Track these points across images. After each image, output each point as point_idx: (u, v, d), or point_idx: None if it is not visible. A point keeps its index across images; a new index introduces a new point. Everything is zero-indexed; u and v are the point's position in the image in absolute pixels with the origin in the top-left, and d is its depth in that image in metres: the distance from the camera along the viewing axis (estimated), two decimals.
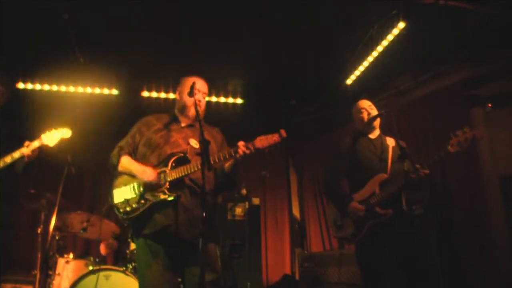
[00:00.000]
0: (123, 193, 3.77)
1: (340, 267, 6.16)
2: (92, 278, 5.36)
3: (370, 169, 4.60)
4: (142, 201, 3.66)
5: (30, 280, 5.87)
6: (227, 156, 3.61)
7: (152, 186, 3.67)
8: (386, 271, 4.32)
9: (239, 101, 8.15)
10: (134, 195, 3.72)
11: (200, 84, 4.07)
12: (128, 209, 3.70)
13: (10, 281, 6.10)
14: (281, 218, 8.86)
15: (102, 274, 5.38)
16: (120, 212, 3.76)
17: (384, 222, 4.37)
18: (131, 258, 5.74)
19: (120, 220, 3.86)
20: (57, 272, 5.66)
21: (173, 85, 4.13)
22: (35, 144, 4.42)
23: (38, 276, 5.35)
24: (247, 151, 3.55)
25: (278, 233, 8.73)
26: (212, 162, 3.56)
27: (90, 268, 5.45)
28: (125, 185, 3.80)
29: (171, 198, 3.61)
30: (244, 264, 6.86)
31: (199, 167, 3.43)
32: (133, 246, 5.74)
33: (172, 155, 3.74)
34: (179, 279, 3.71)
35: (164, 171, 3.67)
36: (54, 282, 5.59)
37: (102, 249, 6.29)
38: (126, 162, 3.87)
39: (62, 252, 5.88)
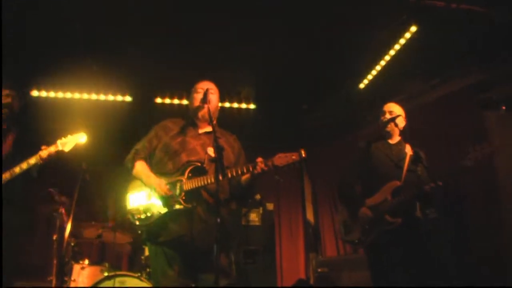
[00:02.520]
0: (138, 199, 3.77)
1: (354, 272, 6.13)
2: (107, 284, 5.38)
3: (385, 175, 4.60)
4: (158, 210, 3.66)
5: (46, 287, 5.89)
6: (245, 171, 3.61)
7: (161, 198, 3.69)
8: (396, 276, 4.31)
9: (252, 106, 8.15)
10: (149, 203, 3.72)
11: (207, 84, 4.08)
12: (142, 216, 3.70)
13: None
14: (295, 223, 8.84)
15: (117, 279, 5.40)
16: (134, 219, 3.76)
17: (392, 230, 4.37)
18: (146, 263, 5.76)
19: (134, 226, 3.86)
20: (72, 278, 5.65)
21: (187, 91, 4.17)
22: (51, 149, 4.50)
23: (54, 282, 5.36)
24: (265, 168, 3.55)
25: (293, 238, 8.72)
26: (229, 176, 3.58)
27: (106, 274, 5.46)
28: (140, 190, 3.80)
29: (186, 209, 3.62)
30: (258, 269, 6.85)
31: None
32: (147, 252, 5.76)
33: (189, 163, 3.73)
34: (193, 285, 3.72)
35: (181, 180, 3.67)
36: None
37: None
38: (140, 169, 3.87)
39: (77, 258, 5.88)
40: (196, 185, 3.63)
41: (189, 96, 4.26)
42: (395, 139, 4.82)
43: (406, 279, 4.27)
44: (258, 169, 3.55)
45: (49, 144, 4.54)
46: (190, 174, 3.69)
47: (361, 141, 5.01)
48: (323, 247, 8.57)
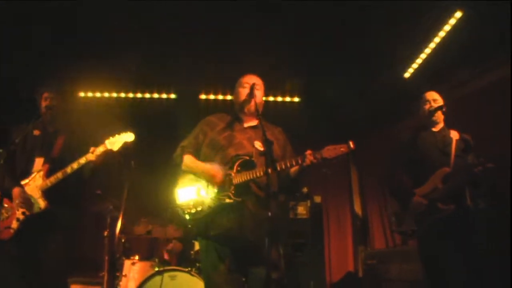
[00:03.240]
0: (188, 194, 3.80)
1: (403, 264, 6.05)
2: (158, 279, 5.44)
3: (432, 163, 4.52)
4: (207, 205, 3.69)
5: (98, 281, 6.03)
6: (294, 164, 3.60)
7: (218, 187, 3.70)
8: (449, 267, 4.24)
9: (296, 99, 8.12)
10: (198, 198, 3.74)
11: (252, 78, 4.10)
12: (192, 211, 3.72)
13: (79, 283, 6.27)
14: (343, 216, 8.77)
15: (167, 274, 5.45)
16: (184, 213, 3.78)
17: (445, 217, 4.29)
18: (196, 258, 5.81)
19: (184, 221, 3.89)
20: (123, 274, 5.76)
21: (231, 87, 4.21)
22: (100, 149, 4.59)
23: (106, 277, 5.48)
24: (314, 161, 3.53)
25: (341, 230, 8.65)
26: (278, 169, 3.56)
27: (156, 269, 5.53)
28: (189, 185, 3.83)
29: (236, 203, 3.63)
30: (307, 262, 6.83)
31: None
32: (197, 246, 5.81)
33: (237, 157, 3.74)
34: (244, 279, 3.73)
35: (230, 174, 3.68)
36: (121, 283, 5.70)
37: (166, 255, 6.43)
38: (189, 161, 3.91)
39: (128, 254, 5.99)
40: (246, 179, 3.63)
41: (234, 91, 4.27)
42: (439, 126, 4.76)
43: (459, 270, 4.20)
44: (307, 161, 3.53)
45: (96, 145, 4.64)
46: (239, 168, 3.69)
47: (406, 131, 4.96)
48: (372, 239, 8.48)
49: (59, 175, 4.61)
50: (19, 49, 6.56)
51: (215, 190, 3.69)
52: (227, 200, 3.63)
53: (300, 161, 3.56)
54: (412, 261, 5.76)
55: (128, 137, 4.75)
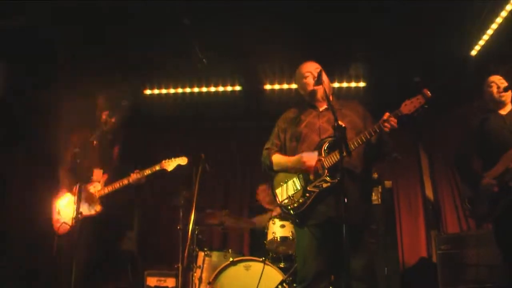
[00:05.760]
0: (286, 191, 3.84)
1: (479, 248, 5.91)
2: (232, 269, 5.54)
3: (503, 145, 4.41)
4: (307, 194, 3.71)
5: (173, 273, 6.19)
6: (373, 134, 3.57)
7: (313, 174, 3.71)
8: None
9: (361, 84, 8.03)
10: (296, 190, 3.78)
11: (312, 65, 4.09)
12: (295, 205, 3.75)
13: (154, 275, 6.47)
14: (415, 200, 8.60)
15: (242, 265, 5.54)
16: (288, 209, 3.82)
17: None
18: (269, 248, 5.88)
19: (289, 217, 3.93)
20: (198, 265, 5.88)
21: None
22: (156, 168, 5.17)
23: (180, 269, 5.61)
24: (395, 121, 3.47)
25: (412, 215, 8.49)
26: (355, 145, 3.58)
27: (231, 259, 5.61)
28: (285, 182, 3.87)
29: (334, 184, 3.61)
30: (380, 249, 6.76)
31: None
32: (270, 236, 5.83)
33: (322, 141, 3.76)
34: (336, 268, 3.76)
35: (320, 159, 3.70)
36: (195, 274, 5.81)
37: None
38: (278, 159, 3.98)
39: (201, 246, 6.10)
40: (336, 160, 3.62)
41: (296, 83, 4.28)
42: (507, 108, 4.64)
43: None
44: (388, 125, 3.48)
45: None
46: (326, 151, 3.72)
47: (474, 116, 4.84)
48: (444, 224, 8.30)
49: (116, 185, 5.15)
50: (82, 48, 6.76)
51: (311, 178, 3.72)
52: (324, 185, 3.65)
53: (378, 130, 3.53)
54: (489, 245, 5.60)
55: (182, 161, 5.29)
